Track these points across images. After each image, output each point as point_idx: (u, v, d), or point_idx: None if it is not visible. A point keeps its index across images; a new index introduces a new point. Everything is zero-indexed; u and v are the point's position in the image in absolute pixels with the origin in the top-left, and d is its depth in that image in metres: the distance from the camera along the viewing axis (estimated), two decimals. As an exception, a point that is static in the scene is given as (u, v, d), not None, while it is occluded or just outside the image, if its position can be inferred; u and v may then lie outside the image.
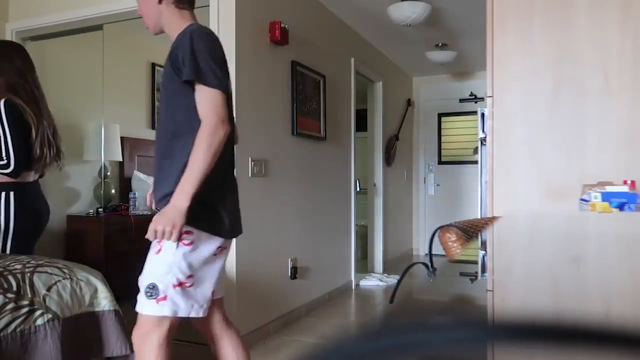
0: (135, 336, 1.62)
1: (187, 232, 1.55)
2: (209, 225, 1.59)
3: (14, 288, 1.97)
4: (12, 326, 1.89)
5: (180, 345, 3.03)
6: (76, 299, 2.11)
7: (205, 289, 1.62)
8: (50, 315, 1.99)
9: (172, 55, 1.58)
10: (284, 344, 3.08)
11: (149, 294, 1.57)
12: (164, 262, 1.57)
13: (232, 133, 1.70)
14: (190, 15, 1.71)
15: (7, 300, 1.92)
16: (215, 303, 1.77)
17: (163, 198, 1.61)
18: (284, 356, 2.87)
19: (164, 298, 1.55)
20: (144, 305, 1.58)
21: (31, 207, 2.68)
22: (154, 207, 1.73)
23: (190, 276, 1.57)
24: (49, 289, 2.05)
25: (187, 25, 1.64)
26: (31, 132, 2.56)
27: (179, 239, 1.54)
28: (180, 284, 1.56)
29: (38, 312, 1.97)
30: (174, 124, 1.60)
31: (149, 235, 1.55)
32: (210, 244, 1.60)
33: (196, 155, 1.50)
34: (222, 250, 1.67)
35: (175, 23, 1.66)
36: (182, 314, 1.58)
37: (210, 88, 1.53)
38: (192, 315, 1.60)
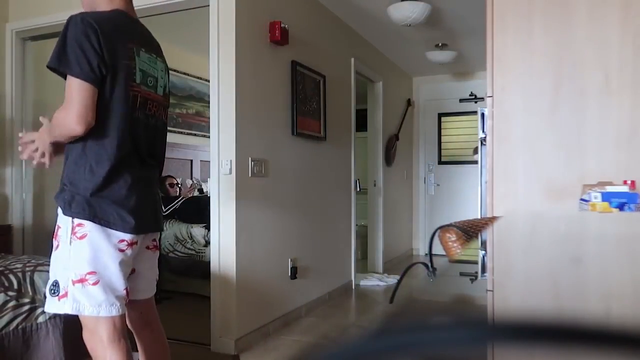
0: (84, 337, 1.58)
1: (79, 225, 1.51)
2: (100, 218, 1.51)
3: (15, 286, 1.97)
4: (14, 324, 1.90)
5: (181, 345, 3.03)
6: (76, 299, 2.11)
7: (115, 286, 1.54)
8: (51, 313, 1.99)
9: None
10: (284, 344, 3.08)
11: (52, 291, 1.54)
12: (61, 258, 1.53)
13: (157, 129, 1.68)
14: (120, 1, 1.65)
15: (8, 298, 1.92)
16: (134, 303, 1.72)
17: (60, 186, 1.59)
18: (284, 356, 2.87)
19: (65, 295, 1.50)
20: (48, 303, 1.55)
21: None
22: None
23: (91, 273, 1.50)
24: (49, 289, 2.05)
25: (108, 9, 1.61)
26: None
27: (72, 232, 1.51)
28: (81, 281, 1.49)
29: (39, 310, 1.98)
30: None
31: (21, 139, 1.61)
32: (109, 237, 1.53)
33: (53, 121, 1.53)
34: (131, 245, 1.58)
35: (102, 3, 1.62)
36: (88, 312, 1.50)
37: (71, 77, 1.47)
38: (104, 314, 1.51)
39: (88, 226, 1.50)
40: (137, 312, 1.76)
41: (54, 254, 1.56)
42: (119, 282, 1.54)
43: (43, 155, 1.56)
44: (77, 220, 1.50)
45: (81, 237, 1.50)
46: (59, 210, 1.55)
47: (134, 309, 1.74)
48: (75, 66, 1.45)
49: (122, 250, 1.55)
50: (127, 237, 1.55)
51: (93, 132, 1.52)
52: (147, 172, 1.68)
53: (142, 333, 1.78)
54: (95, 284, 1.50)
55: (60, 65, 1.48)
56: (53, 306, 1.54)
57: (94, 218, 1.50)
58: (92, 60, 1.46)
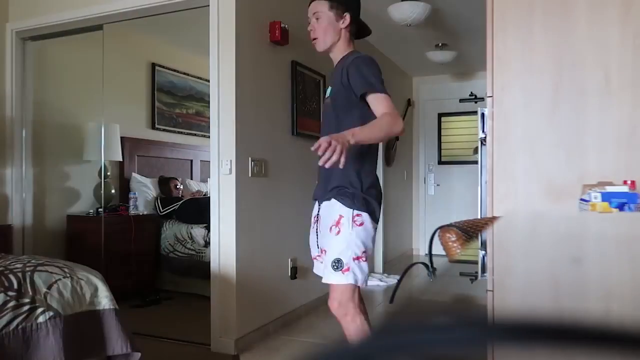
0: (335, 306, 1.91)
1: (358, 215, 1.89)
2: (370, 210, 1.91)
3: (15, 286, 1.97)
4: (14, 324, 1.89)
5: (181, 345, 3.03)
6: (77, 298, 2.12)
7: (366, 264, 1.92)
8: (51, 313, 1.99)
9: (342, 75, 1.93)
10: (284, 344, 3.08)
11: (334, 267, 1.88)
12: (345, 241, 1.88)
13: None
14: (354, 43, 2.10)
15: (8, 298, 1.92)
16: None
17: (331, 190, 1.95)
18: (284, 356, 2.87)
19: (348, 269, 1.86)
20: (331, 277, 1.89)
21: None
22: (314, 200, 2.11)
23: (364, 251, 1.89)
24: (49, 287, 2.05)
25: (349, 51, 2.03)
26: None
27: (352, 220, 1.88)
28: (358, 258, 1.88)
29: (39, 310, 1.97)
30: (340, 130, 1.88)
31: (315, 147, 1.72)
32: (372, 226, 1.93)
33: (376, 124, 1.83)
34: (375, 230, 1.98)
35: (344, 48, 2.05)
36: (359, 282, 1.89)
37: (384, 94, 1.89)
38: (363, 285, 1.91)
39: (363, 215, 1.90)
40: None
41: (335, 237, 1.90)
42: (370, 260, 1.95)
43: (341, 153, 1.72)
44: (356, 211, 1.89)
45: (360, 224, 1.89)
46: (334, 203, 1.92)
47: None
48: (383, 87, 1.90)
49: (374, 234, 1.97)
50: (376, 224, 1.97)
51: (366, 145, 1.91)
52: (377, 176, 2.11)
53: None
54: (365, 260, 1.90)
55: (372, 89, 1.89)
56: (336, 278, 1.87)
57: (369, 210, 1.91)
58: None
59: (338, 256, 1.88)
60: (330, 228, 1.93)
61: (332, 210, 1.94)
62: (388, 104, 1.89)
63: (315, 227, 2.11)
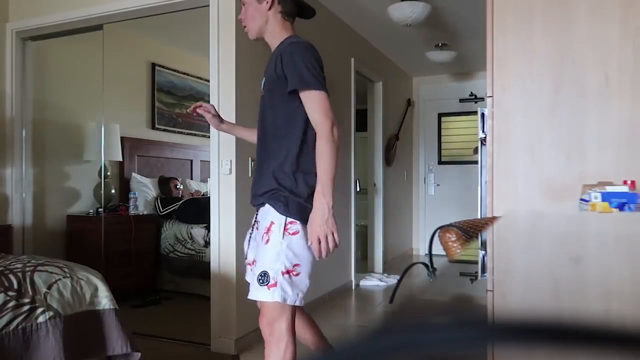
0: (264, 324, 1.68)
1: (292, 222, 1.67)
2: (307, 219, 1.67)
3: (15, 286, 1.97)
4: (14, 324, 1.89)
5: (181, 345, 3.03)
6: (77, 298, 2.12)
7: (306, 278, 1.69)
8: (51, 313, 1.99)
9: (276, 64, 1.69)
10: (284, 344, 3.07)
11: (260, 280, 1.65)
12: (273, 251, 1.65)
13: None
14: (291, 27, 1.83)
15: (8, 298, 1.92)
16: None
17: (262, 194, 1.73)
18: (284, 356, 2.87)
19: (274, 284, 1.63)
20: (256, 292, 1.66)
21: None
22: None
23: (296, 265, 1.65)
24: (49, 287, 2.05)
25: (287, 36, 1.77)
26: None
27: (285, 228, 1.66)
28: (288, 272, 1.64)
29: (39, 310, 1.97)
30: (274, 127, 1.74)
31: (316, 255, 1.65)
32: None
33: (323, 160, 1.65)
34: None
35: (278, 32, 1.79)
36: (290, 301, 1.63)
37: (318, 91, 1.65)
38: (297, 303, 1.65)
39: (299, 223, 1.67)
40: None
41: (263, 247, 1.68)
42: (308, 276, 1.69)
43: (332, 237, 1.65)
44: (289, 218, 1.66)
45: (293, 233, 1.66)
46: (268, 209, 1.70)
47: None
48: (317, 83, 1.67)
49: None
50: None
51: (308, 144, 1.71)
52: None
53: (303, 320, 1.95)
54: (297, 275, 1.65)
55: (305, 85, 1.65)
56: (261, 294, 1.64)
57: (305, 217, 1.67)
58: (322, 74, 1.72)
59: (264, 269, 1.65)
60: (262, 236, 1.71)
61: (266, 216, 1.72)
62: (320, 105, 1.67)
63: (250, 233, 1.88)
